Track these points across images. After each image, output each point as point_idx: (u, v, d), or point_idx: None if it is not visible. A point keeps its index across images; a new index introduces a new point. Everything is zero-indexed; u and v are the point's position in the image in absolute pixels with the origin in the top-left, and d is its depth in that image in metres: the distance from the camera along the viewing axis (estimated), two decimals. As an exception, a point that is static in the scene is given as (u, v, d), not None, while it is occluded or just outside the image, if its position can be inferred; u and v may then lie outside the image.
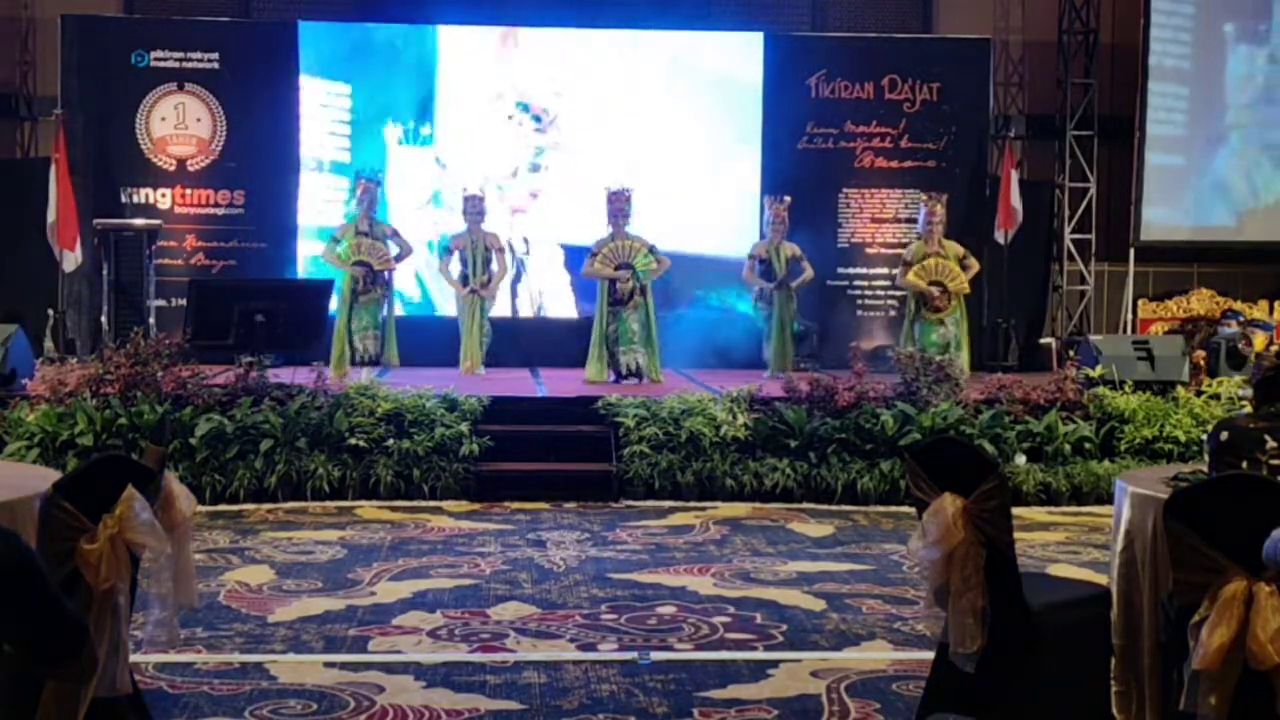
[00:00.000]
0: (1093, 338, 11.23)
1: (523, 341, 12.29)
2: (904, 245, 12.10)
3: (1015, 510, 5.70)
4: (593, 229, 11.37)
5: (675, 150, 12.96)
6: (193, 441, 8.69)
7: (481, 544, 7.67)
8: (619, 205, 10.96)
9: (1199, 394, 9.88)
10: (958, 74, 13.26)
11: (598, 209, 11.31)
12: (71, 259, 11.90)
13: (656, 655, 5.54)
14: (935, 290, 11.03)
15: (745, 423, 9.19)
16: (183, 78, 12.76)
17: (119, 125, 12.65)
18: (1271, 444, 4.12)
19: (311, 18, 13.30)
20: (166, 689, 5.03)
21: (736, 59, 13.22)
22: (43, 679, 3.08)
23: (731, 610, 6.28)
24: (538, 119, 13.05)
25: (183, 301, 10.97)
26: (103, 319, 11.48)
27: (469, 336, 11.18)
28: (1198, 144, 13.66)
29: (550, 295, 13.06)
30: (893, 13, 14.15)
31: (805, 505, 8.94)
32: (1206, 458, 4.49)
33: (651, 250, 10.95)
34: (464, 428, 9.06)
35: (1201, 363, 11.31)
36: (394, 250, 11.17)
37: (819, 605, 6.40)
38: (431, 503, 8.81)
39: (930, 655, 4.62)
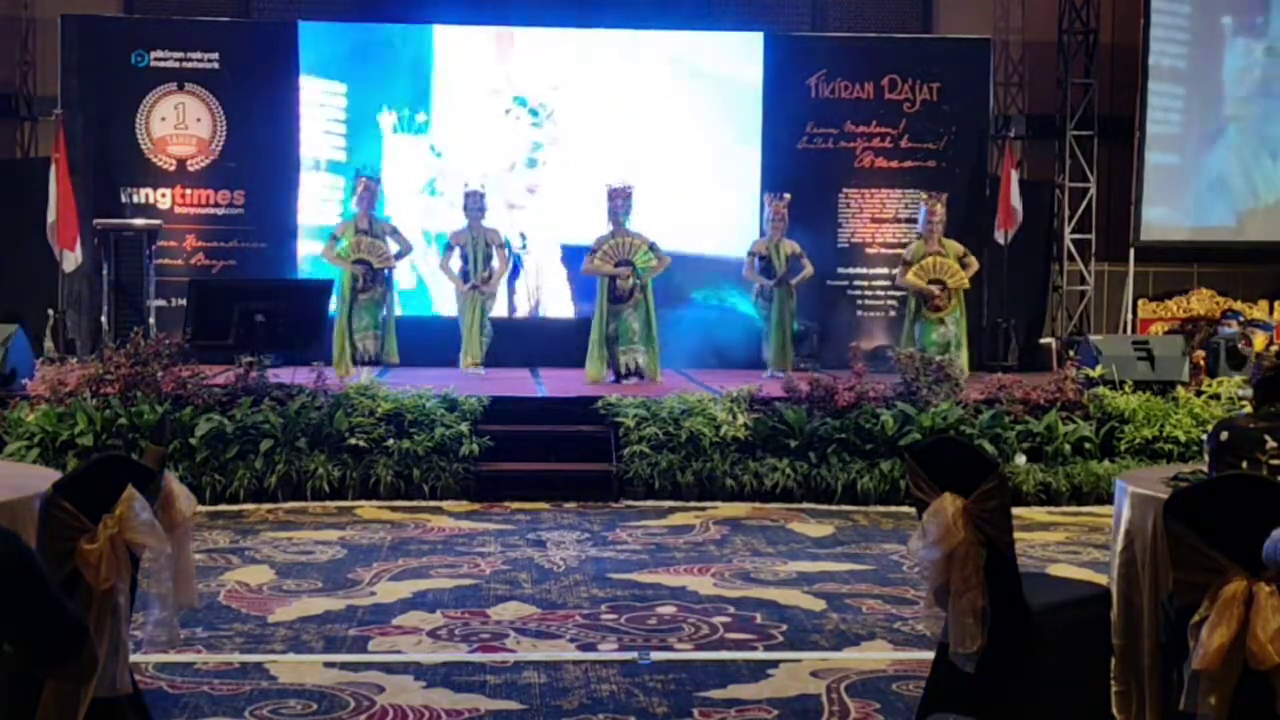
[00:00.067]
0: (1093, 338, 11.23)
1: (523, 341, 12.28)
2: (904, 245, 12.10)
3: (1015, 510, 5.70)
4: (591, 229, 11.37)
5: (675, 150, 12.96)
6: (193, 441, 8.69)
7: (481, 544, 7.67)
8: (620, 202, 10.97)
9: (1199, 394, 9.88)
10: (958, 74, 13.26)
11: (596, 208, 11.33)
12: (71, 259, 11.90)
13: (656, 655, 5.54)
14: (935, 289, 11.03)
15: (745, 423, 9.19)
16: (183, 78, 12.76)
17: (119, 125, 12.65)
18: (1271, 444, 4.12)
19: (311, 18, 13.30)
20: (166, 689, 5.03)
21: (736, 59, 13.22)
22: (43, 679, 3.08)
23: (731, 610, 6.28)
24: (535, 113, 13.04)
25: (183, 301, 10.97)
26: (103, 319, 11.48)
27: (469, 333, 11.17)
28: (1196, 141, 13.67)
29: (548, 292, 13.06)
30: (893, 13, 14.15)
31: (805, 505, 8.94)
32: (1206, 458, 4.49)
33: (652, 247, 10.95)
34: (464, 428, 9.07)
35: (1201, 363, 11.31)
36: (394, 248, 11.17)
37: (819, 605, 6.40)
38: (431, 503, 8.81)
39: (930, 655, 4.62)
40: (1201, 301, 13.89)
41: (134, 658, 4.52)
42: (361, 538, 7.79)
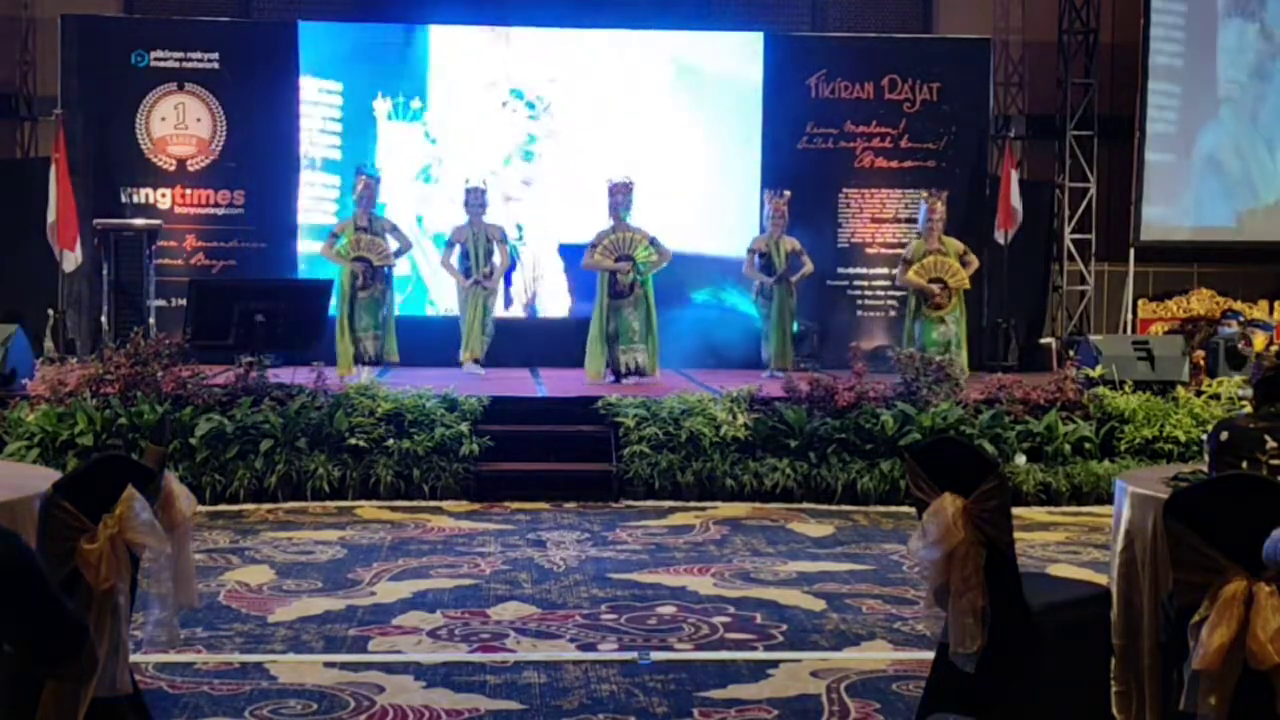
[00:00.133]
0: (1093, 338, 11.23)
1: (522, 341, 12.28)
2: (904, 245, 12.10)
3: (1015, 510, 5.70)
4: (589, 227, 11.34)
5: (675, 150, 12.95)
6: (193, 441, 8.69)
7: (481, 544, 7.67)
8: (620, 197, 10.96)
9: (1199, 394, 9.88)
10: (958, 74, 13.26)
11: (594, 207, 11.34)
12: (71, 259, 11.90)
13: (656, 655, 5.54)
14: (936, 287, 11.03)
15: (745, 423, 9.19)
16: (183, 78, 12.76)
17: (119, 125, 12.65)
18: (1271, 444, 4.12)
19: (311, 18, 13.30)
20: (166, 689, 5.04)
21: (737, 59, 13.22)
22: (43, 679, 3.08)
23: (731, 610, 6.28)
24: (532, 105, 13.04)
25: (183, 301, 10.97)
26: (103, 319, 11.48)
27: (471, 329, 11.17)
28: (1193, 135, 13.66)
29: (545, 286, 13.04)
30: (893, 13, 14.15)
31: (805, 505, 8.94)
32: (1206, 458, 4.49)
33: (653, 242, 10.94)
34: (464, 428, 9.07)
35: (1201, 363, 11.31)
36: (393, 245, 11.16)
37: (819, 605, 6.40)
38: (431, 503, 8.81)
39: (930, 655, 4.62)
40: (1201, 301, 13.89)
41: (134, 658, 4.52)
42: (361, 538, 7.79)
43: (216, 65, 12.79)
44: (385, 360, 11.01)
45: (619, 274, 10.88)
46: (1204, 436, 6.96)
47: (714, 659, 5.53)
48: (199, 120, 12.76)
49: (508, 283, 12.64)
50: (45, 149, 12.69)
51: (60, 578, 3.41)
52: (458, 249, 11.23)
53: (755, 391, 9.51)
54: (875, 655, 5.61)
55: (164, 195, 12.72)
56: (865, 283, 13.33)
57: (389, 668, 5.34)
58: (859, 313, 13.33)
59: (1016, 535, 4.44)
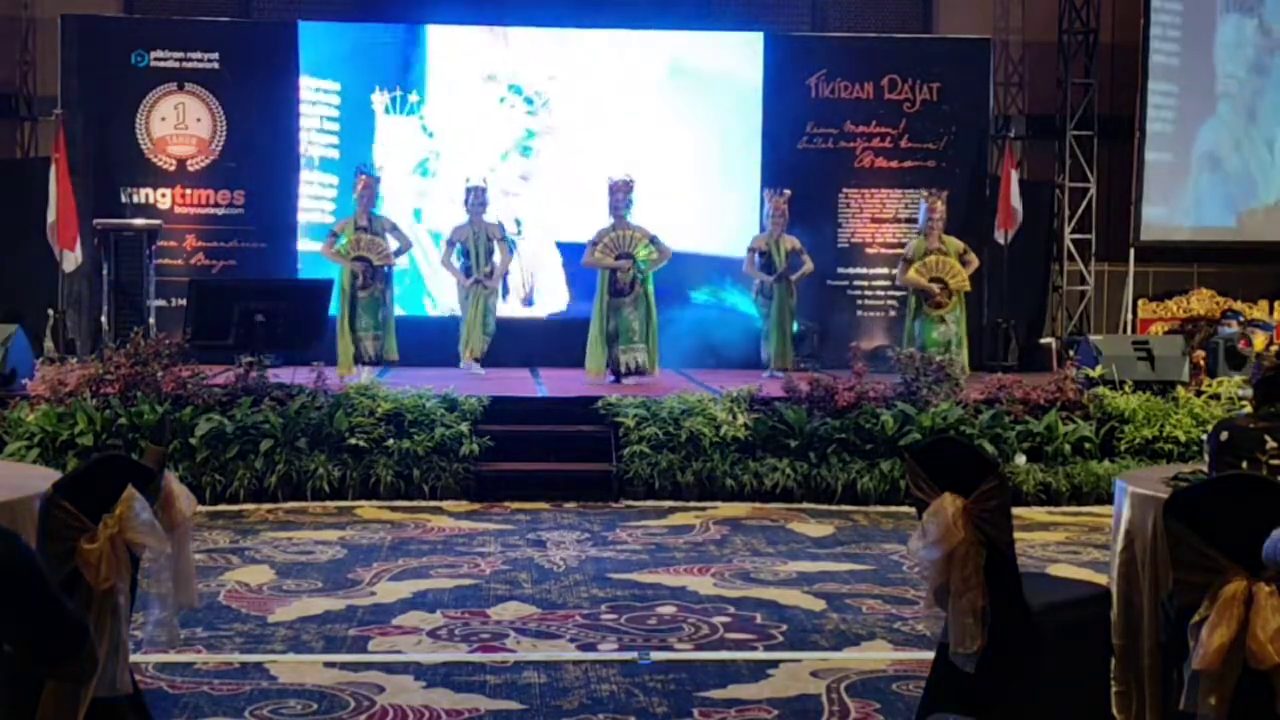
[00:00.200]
0: (1093, 338, 11.23)
1: (523, 341, 12.28)
2: (904, 245, 12.09)
3: (1015, 510, 5.70)
4: (587, 227, 11.33)
5: (675, 150, 12.95)
6: (193, 441, 8.69)
7: (481, 544, 7.67)
8: (620, 195, 10.96)
9: (1199, 394, 9.88)
10: (958, 74, 13.26)
11: (593, 206, 11.34)
12: (71, 259, 11.90)
13: (656, 655, 5.54)
14: (936, 287, 11.04)
15: (745, 423, 9.19)
16: (183, 78, 12.76)
17: (119, 125, 12.65)
18: (1271, 444, 4.13)
19: (311, 18, 13.30)
20: (166, 689, 5.04)
21: (736, 59, 13.22)
22: (43, 679, 3.08)
23: (731, 610, 6.28)
24: (530, 100, 13.03)
25: (183, 301, 10.97)
26: (103, 319, 11.48)
27: (472, 328, 11.17)
28: (1192, 132, 13.65)
29: (542, 280, 13.02)
30: (893, 13, 14.14)
31: (805, 505, 8.94)
32: (1206, 458, 4.49)
33: (653, 240, 10.93)
34: (464, 428, 9.07)
35: (1201, 363, 11.31)
36: (393, 245, 11.16)
37: (819, 605, 6.40)
38: (431, 503, 8.81)
39: (930, 655, 4.62)
40: (1201, 301, 13.89)
41: (134, 658, 4.52)
42: (361, 538, 7.79)
43: (216, 65, 12.78)
44: (385, 360, 11.01)
45: (619, 272, 10.88)
46: (1204, 436, 6.96)
47: (714, 659, 5.53)
48: (199, 120, 12.76)
49: (504, 274, 12.62)
50: (45, 149, 12.69)
51: (60, 578, 3.41)
52: (458, 248, 11.23)
53: (755, 391, 9.51)
54: (875, 655, 5.61)
55: (164, 195, 12.72)
56: (865, 283, 13.33)
57: (389, 668, 5.34)
58: (859, 313, 13.32)
59: (1016, 535, 4.44)
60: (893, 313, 13.13)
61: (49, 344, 11.64)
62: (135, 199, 12.65)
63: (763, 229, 11.73)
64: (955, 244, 11.27)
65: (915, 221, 12.21)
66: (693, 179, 12.95)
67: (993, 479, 4.12)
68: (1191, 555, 3.48)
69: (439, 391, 9.36)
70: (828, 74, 13.19)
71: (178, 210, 12.71)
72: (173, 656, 5.30)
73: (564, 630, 5.93)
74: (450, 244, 11.30)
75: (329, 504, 8.70)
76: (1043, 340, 13.38)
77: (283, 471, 8.74)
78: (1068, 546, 7.87)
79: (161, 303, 11.86)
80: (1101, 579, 5.34)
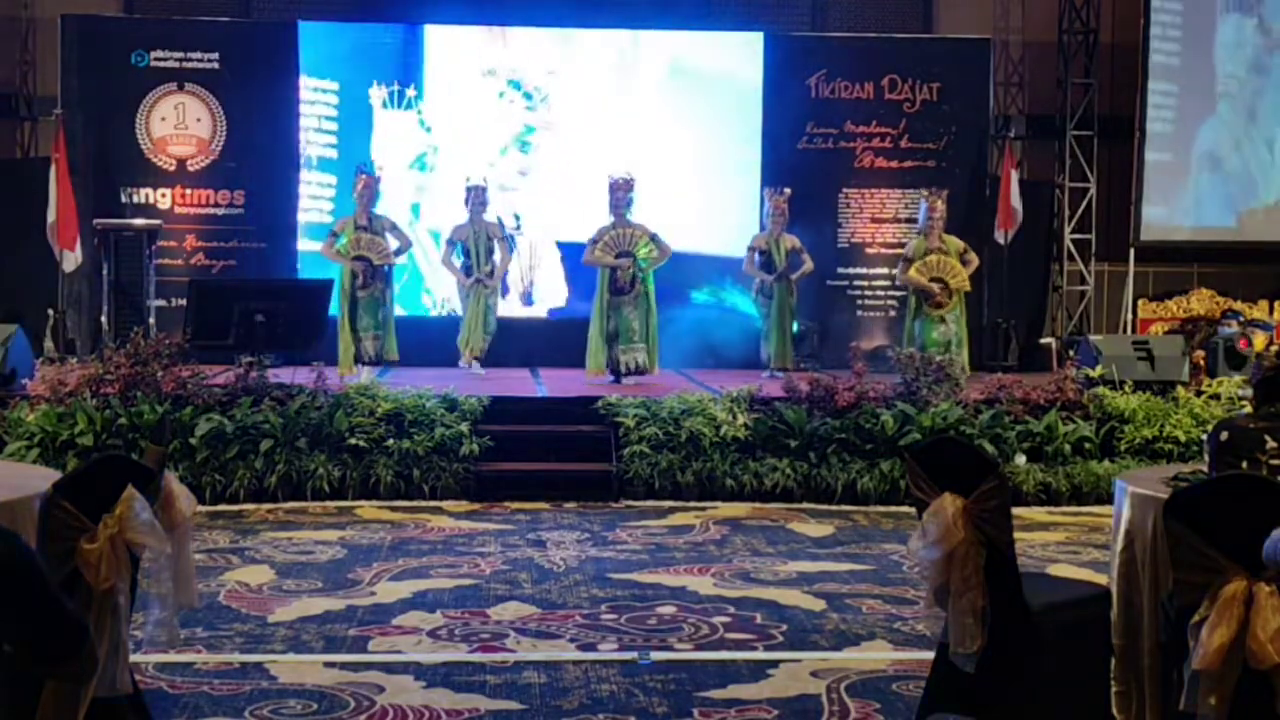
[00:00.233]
0: (1093, 338, 11.23)
1: (523, 341, 12.28)
2: (904, 245, 12.09)
3: (1015, 510, 5.70)
4: (587, 226, 11.33)
5: (675, 150, 12.95)
6: (193, 441, 8.69)
7: (481, 544, 7.67)
8: (621, 194, 10.95)
9: (1199, 394, 9.88)
10: (958, 74, 13.26)
11: (592, 207, 11.34)
12: (71, 259, 11.90)
13: (656, 655, 5.54)
14: (936, 287, 11.04)
15: (745, 423, 9.19)
16: (183, 78, 12.76)
17: (119, 125, 12.65)
18: (1271, 444, 4.13)
19: (311, 18, 13.30)
20: (166, 689, 5.04)
21: (736, 59, 13.22)
22: (43, 679, 3.08)
23: (731, 610, 6.28)
24: (529, 96, 13.02)
25: (183, 301, 10.97)
26: (103, 319, 11.48)
27: (472, 327, 11.17)
28: (1192, 132, 13.65)
29: (541, 275, 13.01)
30: (893, 13, 14.14)
31: (805, 505, 8.94)
32: (1206, 458, 4.49)
33: (653, 238, 10.92)
34: (464, 428, 9.07)
35: (1201, 363, 11.31)
36: (393, 244, 11.15)
37: (819, 605, 6.40)
38: (431, 503, 8.81)
39: (930, 655, 4.62)
40: (1201, 301, 13.89)
41: (134, 658, 4.52)
42: (361, 538, 7.79)
43: (216, 65, 12.78)
44: (385, 360, 11.00)
45: (619, 270, 10.87)
46: (1204, 436, 6.96)
47: (714, 659, 5.53)
48: (199, 120, 12.76)
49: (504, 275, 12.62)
50: (45, 149, 12.69)
51: (60, 578, 3.41)
52: (458, 247, 11.23)
53: (755, 391, 9.51)
54: (875, 655, 5.61)
55: (164, 195, 12.72)
56: (865, 283, 13.33)
57: (389, 668, 5.34)
58: (859, 313, 13.32)
59: (1016, 535, 4.44)
60: (893, 313, 13.12)
61: (49, 344, 11.64)
62: (135, 199, 12.65)
63: (763, 228, 11.73)
64: (955, 243, 11.28)
65: (915, 221, 12.21)
66: (693, 179, 12.95)
67: (993, 479, 4.12)
68: (1191, 555, 3.47)
69: (439, 391, 9.36)
70: (828, 74, 13.19)
71: (178, 210, 12.71)
72: (173, 656, 5.30)
73: (564, 630, 5.93)
74: (451, 243, 11.29)
75: (329, 504, 8.70)
76: (1043, 340, 13.38)
77: (283, 471, 8.74)
78: (1068, 546, 7.87)
79: (161, 303, 11.86)
80: (1101, 579, 5.34)
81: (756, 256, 11.54)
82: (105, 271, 11.48)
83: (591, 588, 6.69)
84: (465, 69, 12.98)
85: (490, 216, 11.44)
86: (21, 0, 13.16)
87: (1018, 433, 9.28)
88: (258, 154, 12.78)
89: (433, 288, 12.87)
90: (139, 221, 11.91)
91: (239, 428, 8.82)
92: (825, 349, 12.47)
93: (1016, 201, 13.05)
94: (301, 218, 12.81)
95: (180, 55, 12.76)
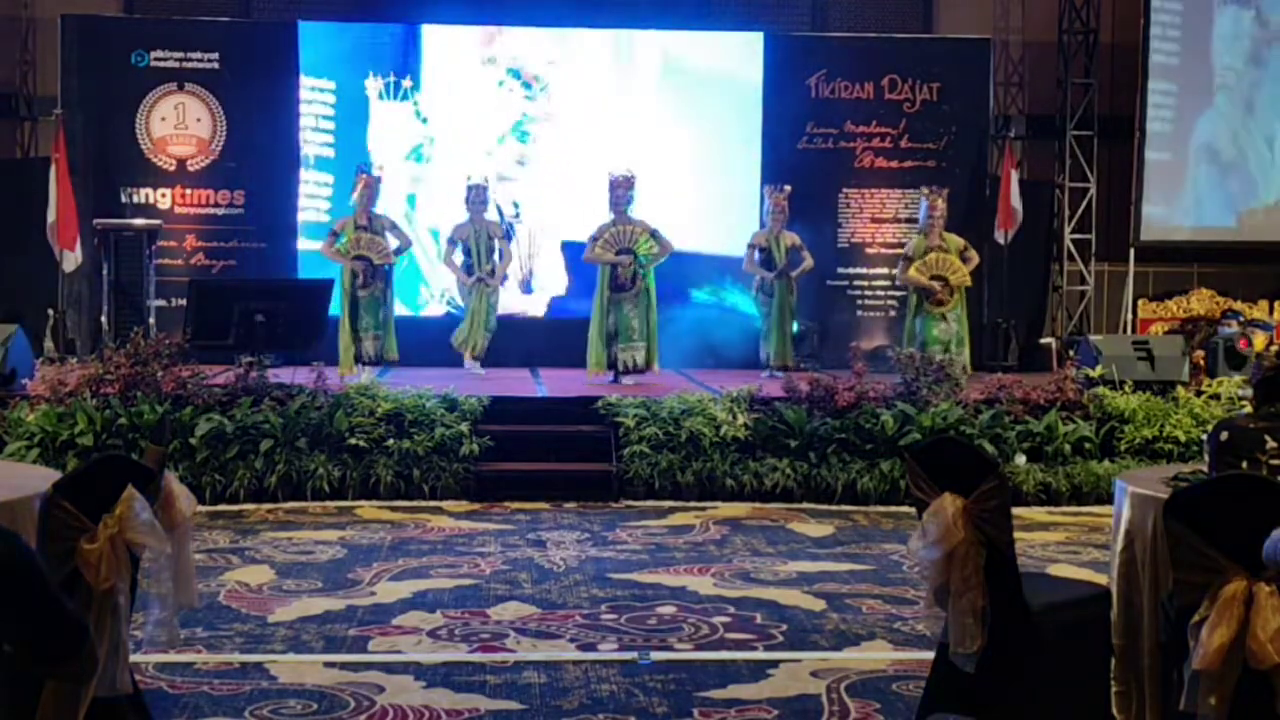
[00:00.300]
0: (1093, 338, 11.23)
1: (523, 341, 12.28)
2: (904, 245, 12.09)
3: (1015, 510, 5.70)
4: (587, 227, 11.33)
5: (675, 150, 12.94)
6: (193, 441, 8.69)
7: (481, 544, 7.67)
8: (621, 191, 10.93)
9: (1199, 394, 9.88)
10: (958, 74, 13.25)
11: (591, 208, 11.33)
12: (71, 259, 11.90)
13: (656, 655, 5.54)
14: (937, 285, 11.04)
15: (745, 423, 9.19)
16: (183, 78, 12.75)
17: (119, 125, 12.64)
18: (1271, 444, 4.13)
19: (311, 18, 13.30)
20: (166, 689, 5.04)
21: (737, 59, 13.21)
22: (43, 679, 3.08)
23: (731, 610, 6.28)
24: (528, 85, 13.01)
25: (183, 301, 10.97)
26: (103, 319, 11.48)
27: (474, 326, 11.17)
28: (1189, 118, 13.63)
29: (541, 265, 12.99)
30: (893, 13, 14.14)
31: (805, 505, 8.94)
32: (1206, 458, 4.50)
33: (654, 234, 10.91)
34: (464, 428, 9.07)
35: (1201, 363, 11.31)
36: (393, 243, 11.15)
37: (819, 605, 6.40)
38: (431, 503, 8.81)
39: (930, 655, 4.62)
40: (1201, 301, 13.88)
41: (134, 658, 4.52)
42: (361, 538, 7.79)
43: (216, 65, 12.78)
44: (385, 360, 11.00)
45: (620, 268, 10.86)
46: (1204, 436, 6.96)
47: (714, 659, 5.53)
48: (199, 120, 12.76)
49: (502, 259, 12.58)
50: (45, 149, 12.69)
51: (60, 578, 3.41)
52: (459, 246, 11.22)
53: (755, 391, 9.51)
54: (875, 655, 5.61)
55: (164, 195, 12.72)
56: (865, 283, 13.33)
57: (389, 668, 5.34)
58: (859, 313, 13.32)
59: (1016, 535, 4.44)
60: (893, 313, 13.12)
61: (49, 344, 11.64)
62: (135, 199, 12.65)
63: (763, 225, 11.72)
64: (956, 241, 11.28)
65: (915, 221, 12.21)
66: (692, 179, 12.94)
67: (993, 479, 4.12)
68: (1191, 555, 3.48)
69: (439, 391, 9.36)
70: (828, 74, 13.19)
71: (178, 210, 12.71)
72: (173, 656, 5.30)
73: (564, 630, 5.93)
74: (452, 242, 11.29)
75: (329, 504, 8.70)
76: (1043, 340, 13.38)
77: (283, 471, 8.74)
78: (1068, 546, 7.87)
79: (161, 303, 11.86)
80: (1101, 579, 5.34)
81: (757, 254, 11.54)
82: (105, 271, 11.48)
83: (591, 588, 6.69)
84: (463, 60, 12.96)
85: (491, 215, 11.42)
86: (21, 0, 13.16)
87: (1018, 433, 9.28)
88: (258, 154, 12.78)
89: (431, 282, 12.85)
90: (139, 221, 11.91)
91: (239, 428, 8.82)
92: (825, 349, 12.47)
93: (1016, 201, 13.05)
94: (300, 217, 12.81)
95: (180, 55, 12.76)
